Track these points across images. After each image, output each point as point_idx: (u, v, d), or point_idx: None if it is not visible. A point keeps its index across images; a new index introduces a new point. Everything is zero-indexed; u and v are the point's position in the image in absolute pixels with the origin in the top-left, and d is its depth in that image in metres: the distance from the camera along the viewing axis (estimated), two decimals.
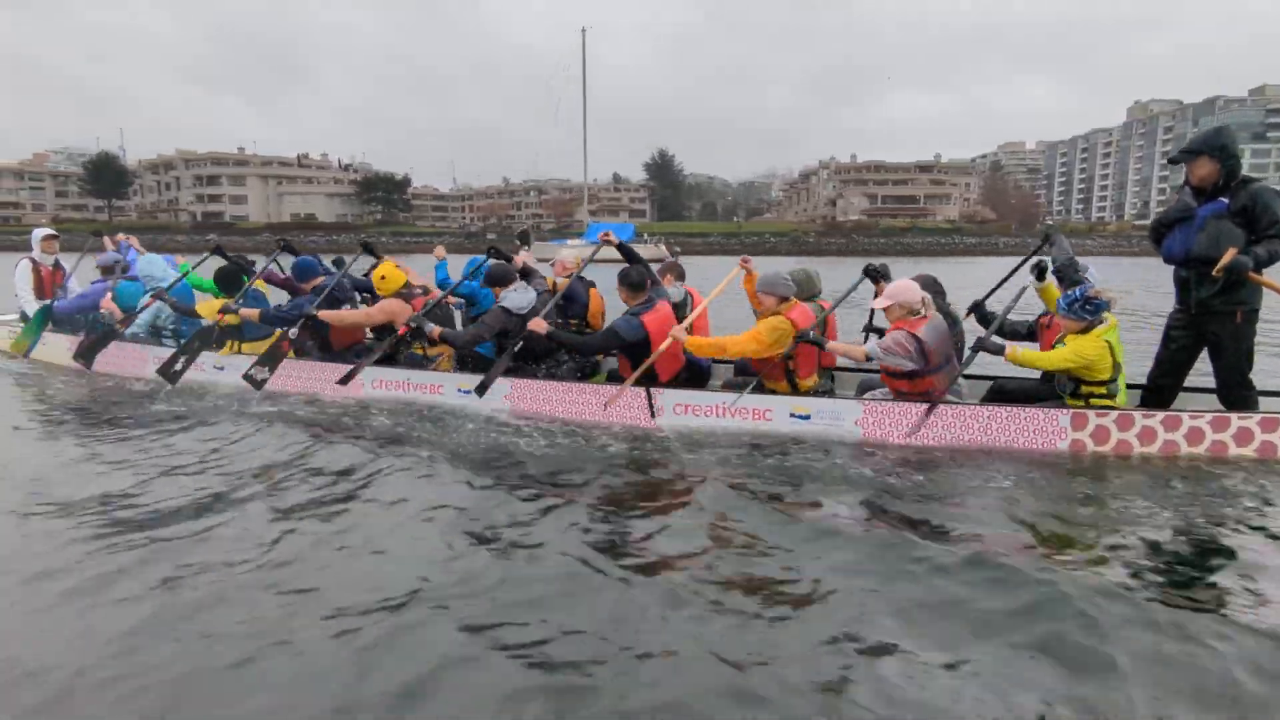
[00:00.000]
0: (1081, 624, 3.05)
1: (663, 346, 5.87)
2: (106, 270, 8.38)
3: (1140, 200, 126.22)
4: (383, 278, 6.88)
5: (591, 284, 7.16)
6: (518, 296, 6.51)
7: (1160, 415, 5.37)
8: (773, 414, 5.84)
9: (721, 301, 6.55)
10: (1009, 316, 5.97)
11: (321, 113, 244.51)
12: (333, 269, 7.81)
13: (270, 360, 6.65)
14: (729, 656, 2.88)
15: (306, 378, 7.00)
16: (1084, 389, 5.41)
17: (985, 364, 5.95)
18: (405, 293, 6.93)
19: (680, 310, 6.63)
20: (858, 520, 4.34)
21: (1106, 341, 5.24)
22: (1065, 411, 5.42)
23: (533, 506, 4.49)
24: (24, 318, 8.83)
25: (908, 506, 4.51)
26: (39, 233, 9.05)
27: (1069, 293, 5.32)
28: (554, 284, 6.90)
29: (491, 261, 6.81)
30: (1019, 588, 3.38)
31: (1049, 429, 5.44)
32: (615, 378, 6.47)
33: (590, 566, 3.68)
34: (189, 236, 78.65)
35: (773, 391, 5.94)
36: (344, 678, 2.76)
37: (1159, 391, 5.72)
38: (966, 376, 6.16)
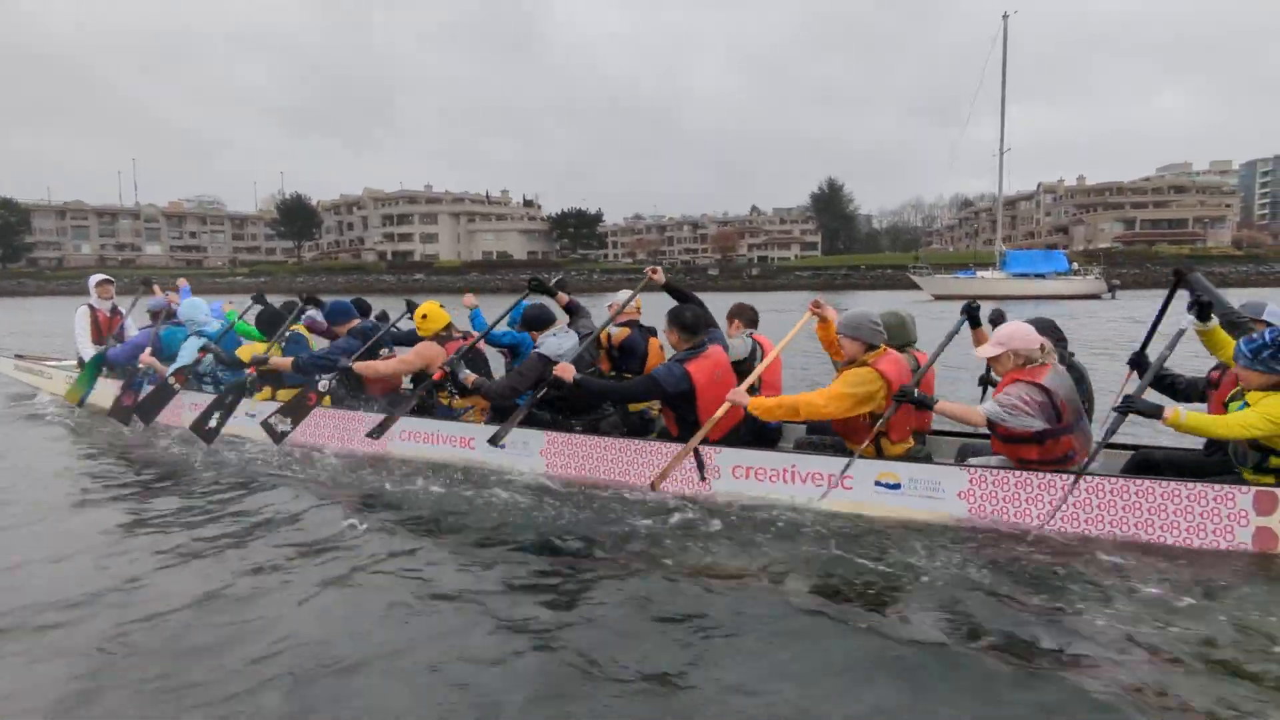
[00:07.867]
0: None
1: (718, 413, 4.95)
2: (154, 315, 8.28)
3: None
4: (425, 316, 6.30)
5: (652, 332, 6.21)
6: (556, 341, 5.82)
7: None
8: (853, 481, 4.77)
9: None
10: (1169, 367, 4.78)
11: (412, 153, 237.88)
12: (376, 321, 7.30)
13: (293, 411, 6.24)
14: None
15: (337, 428, 6.51)
16: (1275, 461, 3.95)
17: (1126, 430, 4.69)
18: (444, 335, 6.34)
19: (748, 365, 5.56)
20: (947, 639, 3.34)
21: None
22: (1246, 490, 4.04)
23: (540, 585, 3.98)
24: (81, 363, 8.82)
25: (1021, 625, 3.43)
26: (94, 278, 9.22)
27: (1255, 337, 3.88)
28: (608, 335, 6.05)
29: (527, 303, 6.07)
30: None
31: (1223, 513, 4.05)
32: (666, 435, 5.50)
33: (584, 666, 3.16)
34: (396, 277, 78.33)
35: (853, 454, 4.79)
36: None
37: None
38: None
